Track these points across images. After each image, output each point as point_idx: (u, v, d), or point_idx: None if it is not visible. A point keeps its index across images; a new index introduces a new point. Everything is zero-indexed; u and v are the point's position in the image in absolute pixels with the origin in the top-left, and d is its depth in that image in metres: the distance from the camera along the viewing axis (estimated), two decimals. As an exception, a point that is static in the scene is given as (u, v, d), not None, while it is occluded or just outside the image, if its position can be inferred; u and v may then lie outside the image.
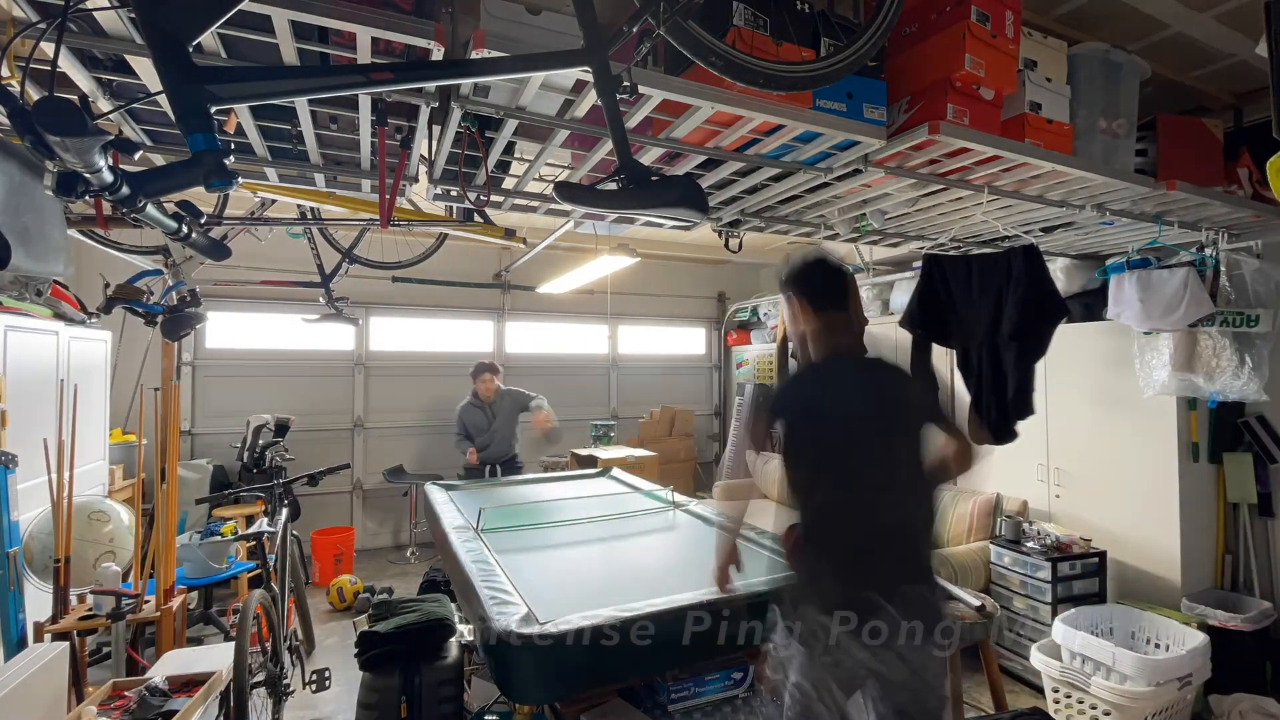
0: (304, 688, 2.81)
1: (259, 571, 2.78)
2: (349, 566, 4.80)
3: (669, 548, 2.61)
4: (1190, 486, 3.21)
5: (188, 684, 1.94)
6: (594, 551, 2.56)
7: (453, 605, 2.49)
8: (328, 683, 2.84)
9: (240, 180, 1.25)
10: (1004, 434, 2.77)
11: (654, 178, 1.45)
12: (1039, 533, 3.23)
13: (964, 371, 2.93)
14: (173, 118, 1.18)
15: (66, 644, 1.81)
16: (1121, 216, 2.78)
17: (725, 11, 1.69)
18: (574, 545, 2.64)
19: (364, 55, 1.51)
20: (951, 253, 3.37)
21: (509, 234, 3.30)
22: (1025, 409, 2.70)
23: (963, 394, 3.02)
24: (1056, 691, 2.73)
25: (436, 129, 2.04)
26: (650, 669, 1.89)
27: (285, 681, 2.61)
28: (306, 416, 5.33)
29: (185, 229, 1.79)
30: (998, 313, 2.76)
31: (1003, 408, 2.74)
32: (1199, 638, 2.69)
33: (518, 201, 2.56)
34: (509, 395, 4.75)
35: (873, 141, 1.99)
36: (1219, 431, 3.34)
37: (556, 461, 5.79)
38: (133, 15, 1.32)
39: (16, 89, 1.16)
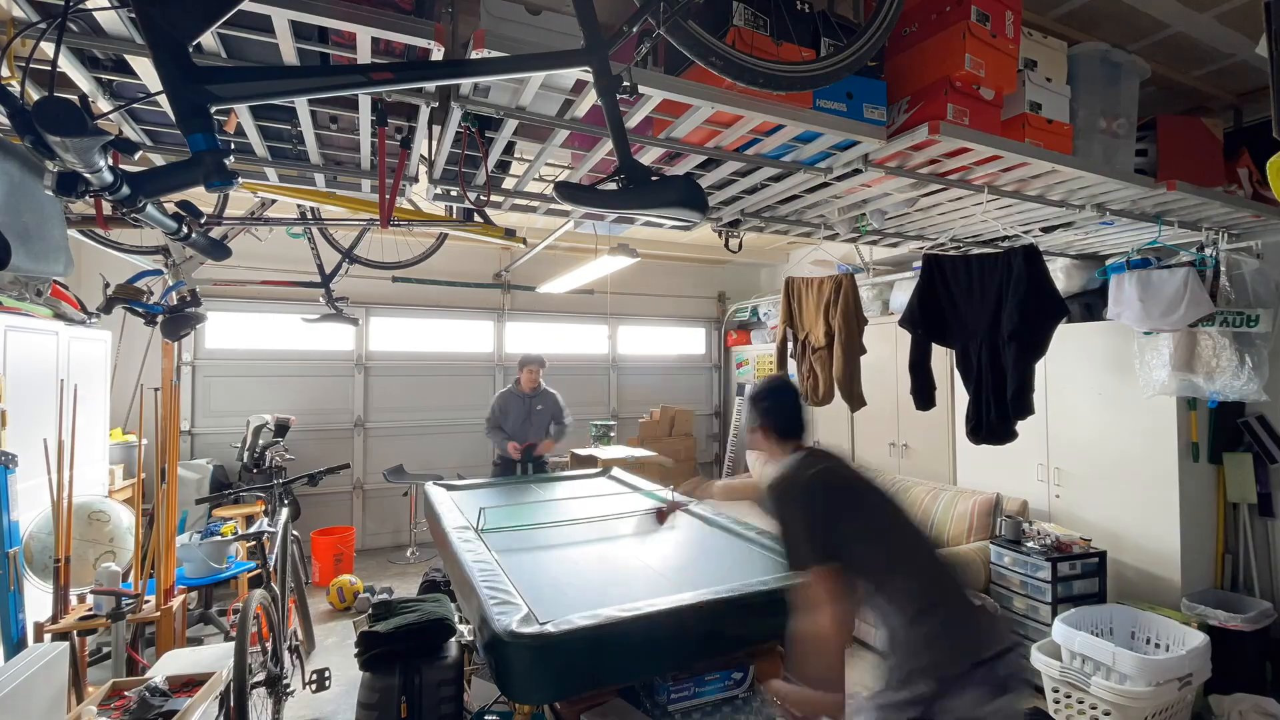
0: (304, 688, 2.81)
1: (259, 571, 2.78)
2: (349, 566, 4.80)
3: (669, 548, 2.61)
4: (1190, 486, 3.21)
5: (188, 684, 1.94)
6: (594, 551, 2.56)
7: (453, 605, 2.49)
8: (328, 683, 2.84)
9: (240, 180, 1.25)
10: (1004, 434, 2.77)
11: (654, 178, 1.45)
12: (1039, 533, 3.23)
13: (963, 371, 2.94)
14: (173, 118, 1.17)
15: (66, 644, 1.81)
16: (1121, 216, 2.78)
17: (725, 11, 1.69)
18: (574, 545, 2.64)
19: (364, 55, 1.51)
20: (951, 253, 3.37)
21: (509, 234, 3.30)
22: (1025, 409, 2.70)
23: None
24: (1056, 691, 2.73)
25: (436, 129, 2.04)
26: (650, 669, 1.89)
27: (285, 681, 2.61)
28: (306, 416, 5.34)
29: (185, 229, 1.79)
30: (997, 313, 2.77)
31: (1002, 407, 2.74)
32: (1199, 638, 2.69)
33: (518, 201, 2.56)
34: (551, 396, 4.62)
35: (873, 141, 1.99)
36: (1219, 431, 3.34)
37: (556, 461, 5.79)
38: (133, 15, 1.32)
39: (16, 89, 1.16)
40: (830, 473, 1.69)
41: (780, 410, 1.83)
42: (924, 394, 3.07)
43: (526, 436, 4.48)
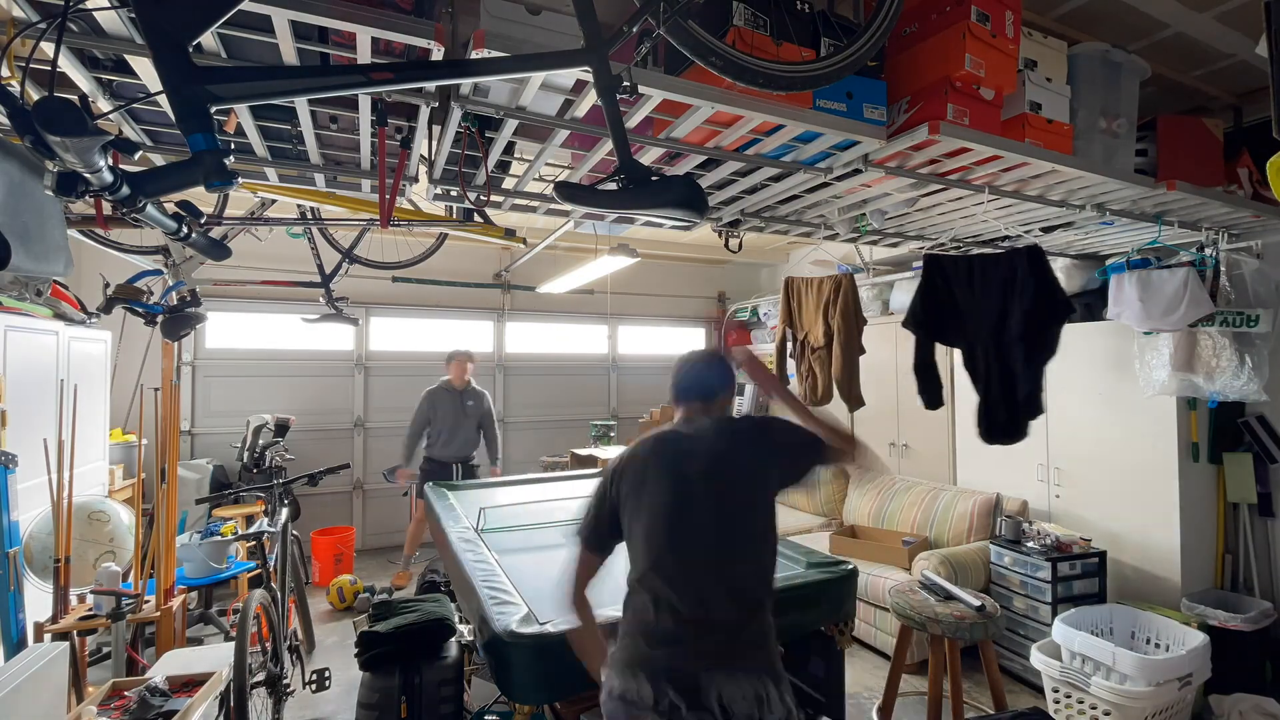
0: (304, 688, 2.81)
1: (259, 571, 2.78)
2: (349, 566, 4.80)
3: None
4: (1190, 486, 3.21)
5: (188, 684, 1.94)
6: (594, 551, 2.55)
7: (453, 605, 2.49)
8: (328, 683, 2.84)
9: (240, 180, 1.25)
10: (1015, 433, 2.75)
11: (654, 178, 1.45)
12: (1039, 533, 3.23)
13: (970, 372, 2.92)
14: (173, 118, 1.18)
15: (66, 644, 1.81)
16: (1121, 216, 2.78)
17: (725, 11, 1.69)
18: (574, 545, 2.64)
19: (364, 55, 1.51)
20: (952, 253, 3.37)
21: (509, 234, 3.30)
22: (1036, 409, 2.69)
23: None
24: (1056, 691, 2.73)
25: (436, 129, 2.04)
26: (650, 669, 1.88)
27: (285, 681, 2.61)
28: (306, 416, 5.34)
29: (185, 229, 1.79)
30: (1002, 313, 2.75)
31: (1013, 408, 2.73)
32: (1199, 638, 2.69)
33: (518, 201, 2.56)
34: (480, 395, 4.71)
35: (873, 142, 1.99)
36: (1219, 431, 3.34)
37: (556, 461, 5.79)
38: (133, 15, 1.32)
39: (16, 89, 1.16)
40: (640, 448, 1.70)
41: (674, 376, 1.94)
42: (932, 394, 3.01)
43: (457, 436, 4.59)
